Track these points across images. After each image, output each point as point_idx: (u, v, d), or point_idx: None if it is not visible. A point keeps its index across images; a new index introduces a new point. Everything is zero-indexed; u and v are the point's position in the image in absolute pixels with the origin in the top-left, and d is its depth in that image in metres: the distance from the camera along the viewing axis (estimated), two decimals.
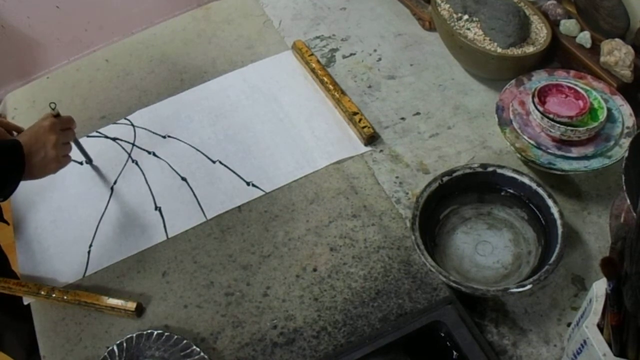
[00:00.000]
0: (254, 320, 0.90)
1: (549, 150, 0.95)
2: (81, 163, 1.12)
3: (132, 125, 1.18)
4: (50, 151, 0.92)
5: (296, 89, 1.19)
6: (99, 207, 1.06)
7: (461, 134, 1.08)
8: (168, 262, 0.98)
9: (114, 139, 1.16)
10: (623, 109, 0.98)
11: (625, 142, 0.94)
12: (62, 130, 0.95)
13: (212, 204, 1.04)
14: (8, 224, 1.07)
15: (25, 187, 1.09)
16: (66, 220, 1.05)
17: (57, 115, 0.95)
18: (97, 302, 0.92)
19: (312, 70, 1.19)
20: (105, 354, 0.87)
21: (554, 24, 1.11)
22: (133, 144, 1.15)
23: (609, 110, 0.96)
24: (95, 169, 1.11)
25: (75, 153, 1.06)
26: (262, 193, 1.04)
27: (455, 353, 0.83)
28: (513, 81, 1.04)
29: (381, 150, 1.08)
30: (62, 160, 0.95)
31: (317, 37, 1.28)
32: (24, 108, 1.26)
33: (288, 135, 1.12)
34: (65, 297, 0.93)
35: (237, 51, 1.28)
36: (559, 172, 0.95)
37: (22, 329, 0.96)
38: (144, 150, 1.13)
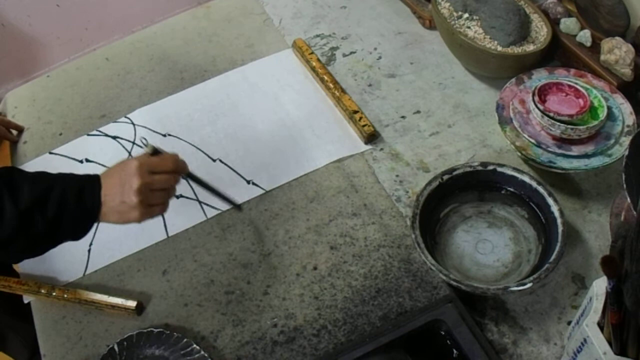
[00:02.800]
0: (254, 319, 0.90)
1: (549, 149, 0.95)
2: (81, 162, 1.10)
3: (133, 123, 1.18)
4: (131, 197, 0.77)
5: (296, 87, 1.19)
6: None
7: (461, 132, 1.08)
8: (168, 261, 0.98)
9: (114, 138, 1.16)
10: (623, 107, 0.97)
11: (626, 141, 0.94)
12: (155, 174, 0.79)
13: (212, 202, 1.04)
14: None
15: None
16: None
17: (155, 153, 0.81)
18: (98, 300, 0.92)
19: (313, 69, 1.19)
20: (106, 352, 0.87)
21: (554, 23, 1.11)
22: (133, 143, 1.15)
23: (609, 108, 0.96)
24: (96, 167, 1.11)
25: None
26: (262, 191, 1.04)
27: (455, 351, 0.83)
28: (513, 80, 1.04)
29: (381, 149, 1.08)
30: (149, 210, 0.80)
31: (318, 36, 1.28)
32: (24, 107, 1.26)
33: (288, 134, 1.12)
34: (65, 296, 0.93)
35: (237, 50, 1.28)
36: (559, 171, 0.95)
37: (26, 329, 0.95)
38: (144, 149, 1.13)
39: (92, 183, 0.78)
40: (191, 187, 1.06)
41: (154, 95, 1.22)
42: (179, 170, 0.83)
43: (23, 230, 0.73)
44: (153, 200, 0.80)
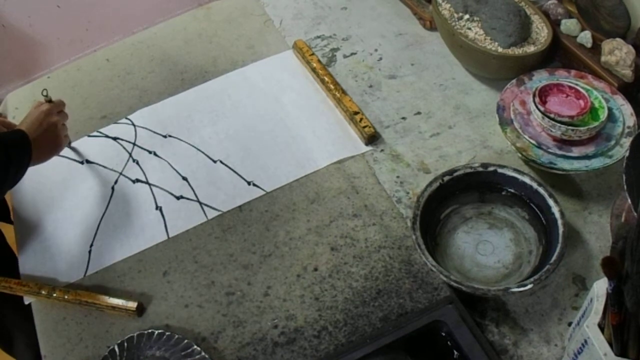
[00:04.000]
0: (254, 320, 0.90)
1: (549, 150, 0.95)
2: (82, 162, 1.12)
3: (133, 124, 1.18)
4: (54, 133, 0.98)
5: (297, 88, 1.19)
6: (100, 207, 1.06)
7: (462, 133, 1.08)
8: (169, 262, 0.98)
9: (115, 139, 1.16)
10: (624, 108, 0.97)
11: (626, 142, 0.94)
12: (58, 113, 1.01)
13: (212, 203, 1.04)
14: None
15: (27, 187, 1.09)
16: (67, 220, 1.05)
17: (50, 101, 1.01)
18: (98, 301, 0.92)
19: (313, 70, 1.19)
20: (106, 353, 0.87)
21: (554, 24, 1.11)
22: (134, 144, 1.15)
23: (609, 109, 0.96)
24: (96, 168, 1.11)
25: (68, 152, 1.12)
26: (262, 192, 1.04)
27: (456, 353, 0.83)
28: (514, 81, 1.04)
29: (382, 150, 1.08)
30: (65, 140, 1.03)
31: (318, 37, 1.28)
32: (25, 108, 1.26)
33: (289, 135, 1.12)
34: (66, 297, 0.93)
35: (237, 51, 1.28)
36: (559, 172, 0.95)
37: (31, 330, 0.96)
38: (144, 149, 1.13)
39: (23, 137, 0.93)
40: (191, 187, 1.06)
41: (155, 96, 1.22)
42: (63, 107, 1.05)
43: None
44: (63, 132, 1.02)
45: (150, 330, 0.88)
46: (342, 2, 1.35)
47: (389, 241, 0.96)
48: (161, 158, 1.12)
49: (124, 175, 1.10)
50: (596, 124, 0.93)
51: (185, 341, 0.87)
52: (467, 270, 0.90)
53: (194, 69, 1.26)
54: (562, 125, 0.92)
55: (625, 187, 0.75)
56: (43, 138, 0.96)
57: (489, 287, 0.83)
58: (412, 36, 1.26)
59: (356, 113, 1.10)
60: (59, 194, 1.09)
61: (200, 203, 1.04)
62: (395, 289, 0.91)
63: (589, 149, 0.94)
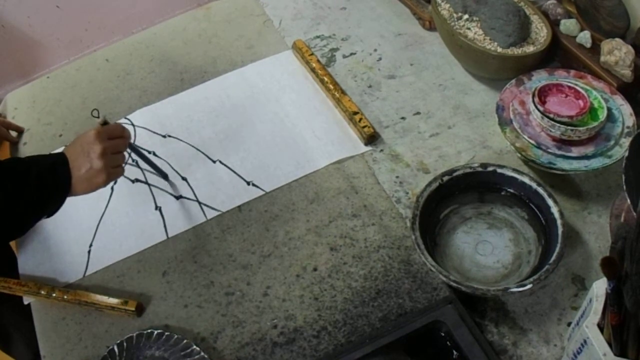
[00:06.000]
0: (254, 320, 0.90)
1: (549, 150, 0.95)
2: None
3: (133, 124, 1.18)
4: (96, 162, 0.84)
5: (296, 88, 1.19)
6: (99, 207, 1.06)
7: (461, 133, 1.08)
8: (168, 262, 0.98)
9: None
10: (623, 108, 0.98)
11: (626, 142, 0.94)
12: (111, 139, 0.88)
13: (212, 203, 1.04)
14: None
15: None
16: (66, 220, 1.05)
17: (105, 124, 0.90)
18: (98, 301, 0.92)
19: (313, 70, 1.19)
20: (106, 353, 0.87)
21: (554, 24, 1.11)
22: (133, 144, 1.14)
23: (609, 109, 0.96)
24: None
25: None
26: (262, 193, 1.04)
27: (455, 353, 0.83)
28: (513, 81, 1.04)
29: (381, 150, 1.08)
30: (112, 171, 0.88)
31: (318, 37, 1.28)
32: (25, 108, 1.26)
33: (288, 135, 1.12)
34: (65, 297, 0.93)
35: (237, 51, 1.28)
36: (559, 172, 0.95)
37: (31, 329, 0.96)
38: (144, 149, 1.13)
39: (60, 160, 0.85)
40: (190, 187, 1.06)
41: (154, 96, 1.22)
42: (126, 135, 0.92)
43: (4, 215, 0.80)
44: (114, 162, 0.88)
45: (149, 330, 0.88)
46: (341, 2, 1.35)
47: (388, 241, 0.96)
48: (160, 158, 1.12)
49: (123, 175, 1.10)
50: (595, 124, 0.93)
51: (185, 341, 0.87)
52: (467, 270, 0.90)
53: (194, 69, 1.26)
54: (562, 125, 0.92)
55: (624, 187, 0.75)
56: (83, 166, 0.84)
57: (488, 287, 0.83)
58: (411, 36, 1.26)
59: (355, 113, 1.10)
60: None
61: (200, 203, 1.04)
62: (394, 289, 0.91)
63: (588, 149, 0.94)
